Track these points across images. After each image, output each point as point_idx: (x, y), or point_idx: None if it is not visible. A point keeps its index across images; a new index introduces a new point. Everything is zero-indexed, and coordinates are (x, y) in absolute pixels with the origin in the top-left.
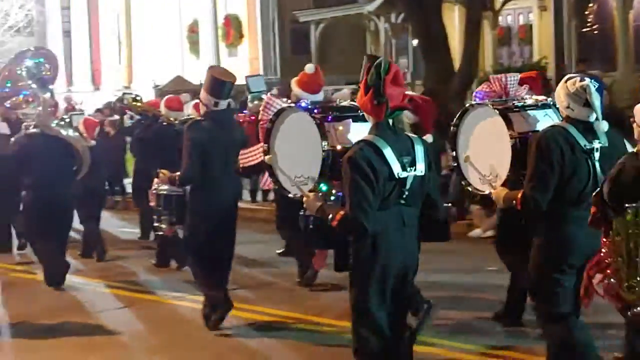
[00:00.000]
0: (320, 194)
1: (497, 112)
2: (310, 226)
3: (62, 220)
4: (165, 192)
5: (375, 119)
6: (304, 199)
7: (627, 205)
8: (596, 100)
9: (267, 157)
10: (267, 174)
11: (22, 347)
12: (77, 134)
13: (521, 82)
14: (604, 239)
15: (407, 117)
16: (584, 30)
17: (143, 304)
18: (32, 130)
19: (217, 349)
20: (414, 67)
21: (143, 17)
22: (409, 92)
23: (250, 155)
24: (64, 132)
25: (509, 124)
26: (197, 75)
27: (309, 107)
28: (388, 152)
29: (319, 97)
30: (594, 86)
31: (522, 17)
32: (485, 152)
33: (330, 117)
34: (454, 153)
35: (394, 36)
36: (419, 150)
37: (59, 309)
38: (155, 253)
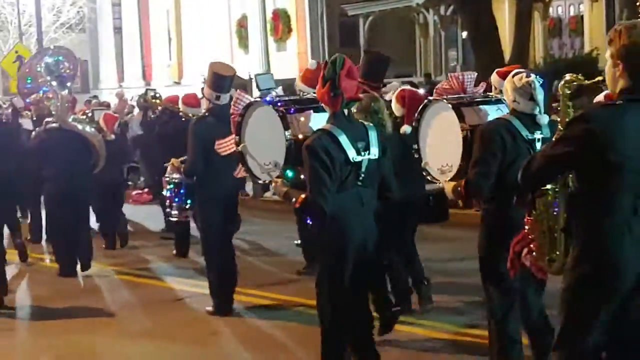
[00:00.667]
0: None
1: (451, 106)
2: None
3: (78, 211)
4: (175, 180)
5: (332, 109)
6: (272, 184)
7: (548, 187)
8: (539, 95)
9: (239, 147)
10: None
11: (36, 328)
12: (93, 129)
13: (503, 78)
14: (528, 217)
15: (397, 109)
16: None
17: (149, 288)
18: (50, 125)
19: (212, 327)
20: (463, 60)
21: (192, 13)
22: (403, 87)
23: (225, 146)
24: (80, 127)
25: (461, 117)
26: (246, 69)
27: (274, 100)
28: (343, 139)
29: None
30: (538, 82)
31: (572, 8)
32: (442, 144)
33: (292, 109)
34: (415, 146)
35: (442, 28)
36: (373, 136)
37: (70, 294)
38: (174, 243)
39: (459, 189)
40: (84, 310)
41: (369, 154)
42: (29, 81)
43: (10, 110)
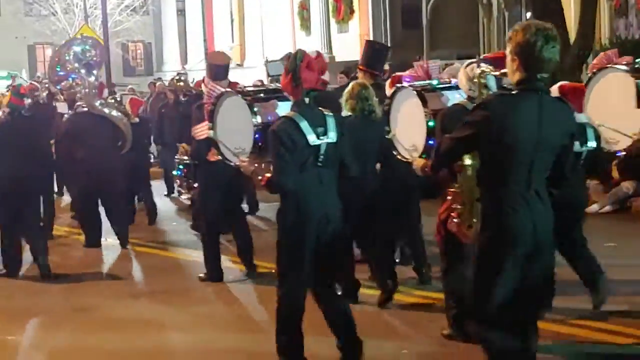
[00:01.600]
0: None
1: (415, 92)
2: None
3: (106, 190)
4: (185, 162)
5: (294, 98)
6: (241, 164)
7: (469, 163)
8: (492, 82)
9: (211, 133)
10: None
11: (61, 290)
12: (119, 113)
13: (491, 62)
14: (450, 189)
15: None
16: None
17: (159, 258)
18: (80, 109)
19: (204, 293)
20: None
21: None
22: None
23: (200, 132)
24: (107, 111)
25: (424, 102)
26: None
27: (243, 90)
28: (304, 125)
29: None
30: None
31: None
32: (409, 127)
33: (258, 97)
34: (387, 128)
35: (507, 9)
36: (331, 122)
37: (90, 263)
38: (192, 218)
39: (426, 168)
40: (100, 275)
41: (327, 138)
42: (58, 69)
43: (45, 94)
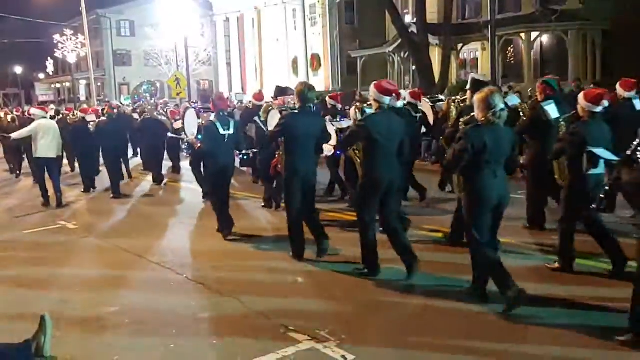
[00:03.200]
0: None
1: (278, 111)
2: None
3: (159, 156)
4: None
5: (215, 111)
6: (194, 141)
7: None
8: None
9: (180, 125)
10: (183, 134)
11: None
12: (165, 118)
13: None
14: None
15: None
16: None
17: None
18: (145, 116)
19: (223, 246)
20: (413, 82)
21: (269, 55)
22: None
23: (177, 126)
24: (160, 117)
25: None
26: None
27: (195, 107)
28: (217, 124)
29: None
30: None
31: (472, 53)
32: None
33: (202, 110)
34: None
35: (402, 64)
36: (232, 124)
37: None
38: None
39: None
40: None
41: (229, 130)
42: (136, 97)
43: (125, 110)
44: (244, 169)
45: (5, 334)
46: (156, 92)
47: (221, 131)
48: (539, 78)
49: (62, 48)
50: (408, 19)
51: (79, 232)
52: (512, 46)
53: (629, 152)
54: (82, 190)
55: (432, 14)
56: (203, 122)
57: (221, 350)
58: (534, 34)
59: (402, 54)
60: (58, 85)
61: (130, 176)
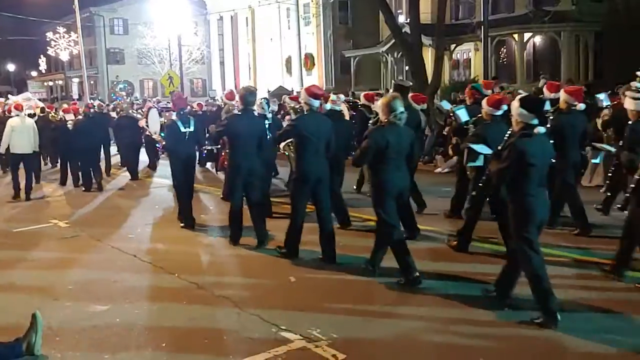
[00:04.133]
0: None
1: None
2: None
3: (133, 144)
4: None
5: (175, 110)
6: (158, 138)
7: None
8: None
9: (144, 124)
10: (147, 131)
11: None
12: (139, 115)
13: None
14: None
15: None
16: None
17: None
18: (121, 115)
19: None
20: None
21: (262, 54)
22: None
23: (141, 125)
24: (135, 114)
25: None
26: (289, 85)
27: (157, 107)
28: (179, 122)
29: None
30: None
31: (465, 54)
32: (153, 122)
33: (164, 110)
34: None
35: (395, 64)
36: (192, 122)
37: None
38: None
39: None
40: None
41: (189, 128)
42: (113, 96)
43: (105, 108)
44: (208, 165)
45: None
46: (132, 90)
47: (182, 129)
48: (531, 78)
49: (55, 46)
50: (402, 19)
51: (69, 229)
52: (505, 47)
53: (499, 147)
54: (59, 183)
55: (426, 15)
56: (165, 120)
57: (212, 349)
58: (526, 35)
59: (395, 54)
60: (51, 83)
61: (108, 172)
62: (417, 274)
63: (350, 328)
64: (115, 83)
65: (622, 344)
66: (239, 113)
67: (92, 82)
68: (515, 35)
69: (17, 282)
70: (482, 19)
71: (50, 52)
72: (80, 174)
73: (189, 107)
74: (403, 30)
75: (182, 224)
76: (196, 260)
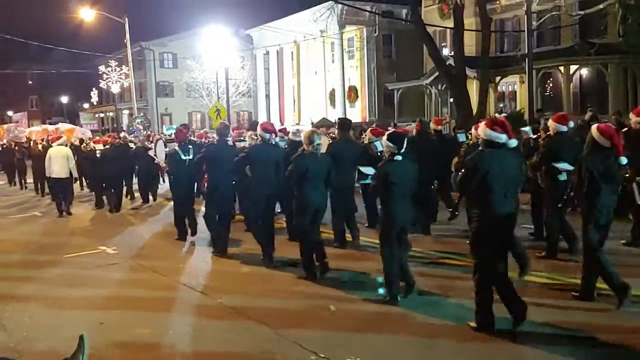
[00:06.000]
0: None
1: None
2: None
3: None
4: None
5: (177, 142)
6: (163, 166)
7: None
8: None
9: (153, 153)
10: (155, 159)
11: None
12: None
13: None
14: None
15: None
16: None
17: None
18: (137, 145)
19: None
20: (450, 114)
21: (307, 87)
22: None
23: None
24: (150, 146)
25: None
26: (333, 117)
27: (163, 138)
28: (179, 152)
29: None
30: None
31: (510, 86)
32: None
33: (169, 141)
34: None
35: (440, 97)
36: (191, 151)
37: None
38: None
39: None
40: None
41: (188, 156)
42: (130, 129)
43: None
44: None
45: (44, 355)
46: (149, 124)
47: (182, 157)
48: (578, 110)
49: (107, 79)
50: (446, 52)
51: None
52: (551, 79)
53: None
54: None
55: (470, 47)
56: (169, 150)
57: None
58: (572, 67)
59: (439, 86)
60: (102, 115)
61: (132, 197)
62: (316, 272)
63: (389, 357)
64: (134, 117)
65: None
66: (215, 143)
67: (141, 114)
68: (561, 68)
69: (66, 304)
70: (526, 51)
71: (102, 84)
72: (106, 197)
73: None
74: (447, 63)
75: (177, 237)
76: (232, 282)
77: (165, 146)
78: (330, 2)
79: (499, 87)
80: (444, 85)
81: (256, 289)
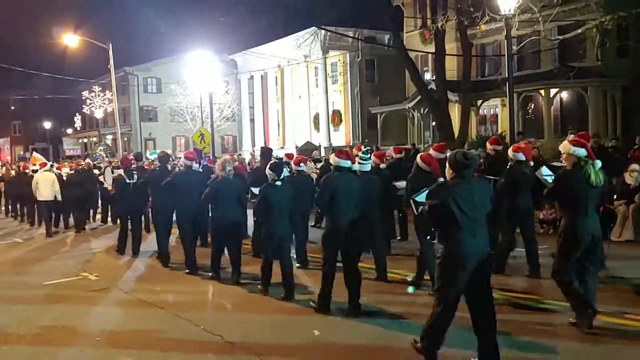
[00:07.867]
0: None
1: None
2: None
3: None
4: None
5: (123, 168)
6: (109, 190)
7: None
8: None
9: (102, 178)
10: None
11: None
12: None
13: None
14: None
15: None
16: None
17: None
18: (100, 171)
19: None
20: (433, 137)
21: (291, 111)
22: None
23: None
24: (109, 171)
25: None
26: (317, 141)
27: (111, 165)
28: (125, 177)
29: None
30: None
31: (492, 109)
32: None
33: (115, 168)
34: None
35: (422, 120)
36: (135, 176)
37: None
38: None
39: None
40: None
41: (132, 180)
42: (95, 155)
43: (91, 165)
44: None
45: None
46: (110, 151)
47: (127, 180)
48: (559, 133)
49: (90, 104)
50: (427, 76)
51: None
52: (532, 102)
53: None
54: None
55: (452, 71)
56: (115, 175)
57: None
58: (553, 90)
59: (421, 110)
60: (85, 140)
61: (94, 219)
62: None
63: None
64: (96, 145)
65: None
66: (184, 170)
67: (125, 139)
68: (542, 91)
69: (44, 334)
70: (507, 75)
71: (86, 109)
72: (70, 218)
73: (134, 165)
74: (429, 87)
75: (116, 249)
76: (219, 312)
77: (112, 172)
78: (314, 28)
79: (480, 111)
80: (426, 109)
81: (251, 317)
